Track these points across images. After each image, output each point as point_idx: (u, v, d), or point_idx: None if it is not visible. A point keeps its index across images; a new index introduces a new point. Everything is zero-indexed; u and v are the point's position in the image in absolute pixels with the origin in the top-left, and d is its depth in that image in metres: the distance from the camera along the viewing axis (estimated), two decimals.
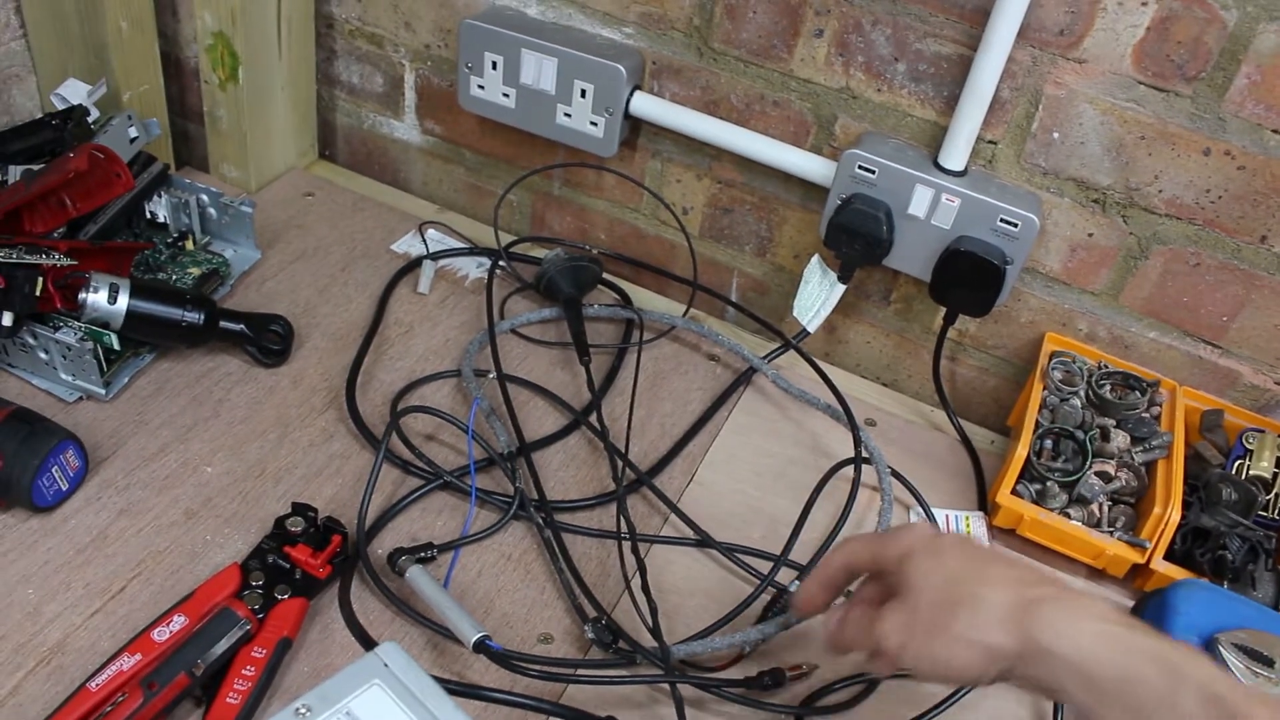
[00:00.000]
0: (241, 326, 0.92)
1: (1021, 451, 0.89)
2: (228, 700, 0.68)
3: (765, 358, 1.02)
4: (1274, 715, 0.46)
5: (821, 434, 0.97)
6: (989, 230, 0.91)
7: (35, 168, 0.87)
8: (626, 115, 1.02)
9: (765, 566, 0.83)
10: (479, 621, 0.72)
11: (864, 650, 0.62)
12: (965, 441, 1.00)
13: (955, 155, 0.91)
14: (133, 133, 0.97)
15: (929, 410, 1.04)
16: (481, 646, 0.70)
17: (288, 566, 0.76)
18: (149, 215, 1.00)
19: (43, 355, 0.86)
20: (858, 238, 0.95)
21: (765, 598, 0.81)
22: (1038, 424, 0.92)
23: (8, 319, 0.81)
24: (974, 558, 0.60)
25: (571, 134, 1.04)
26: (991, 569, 0.59)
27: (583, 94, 1.01)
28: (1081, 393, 0.94)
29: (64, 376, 0.87)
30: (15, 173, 0.88)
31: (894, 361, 1.09)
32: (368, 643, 0.73)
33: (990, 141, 0.92)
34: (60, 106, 0.98)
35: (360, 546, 0.78)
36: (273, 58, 1.10)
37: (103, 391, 0.87)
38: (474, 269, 1.09)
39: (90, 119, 0.95)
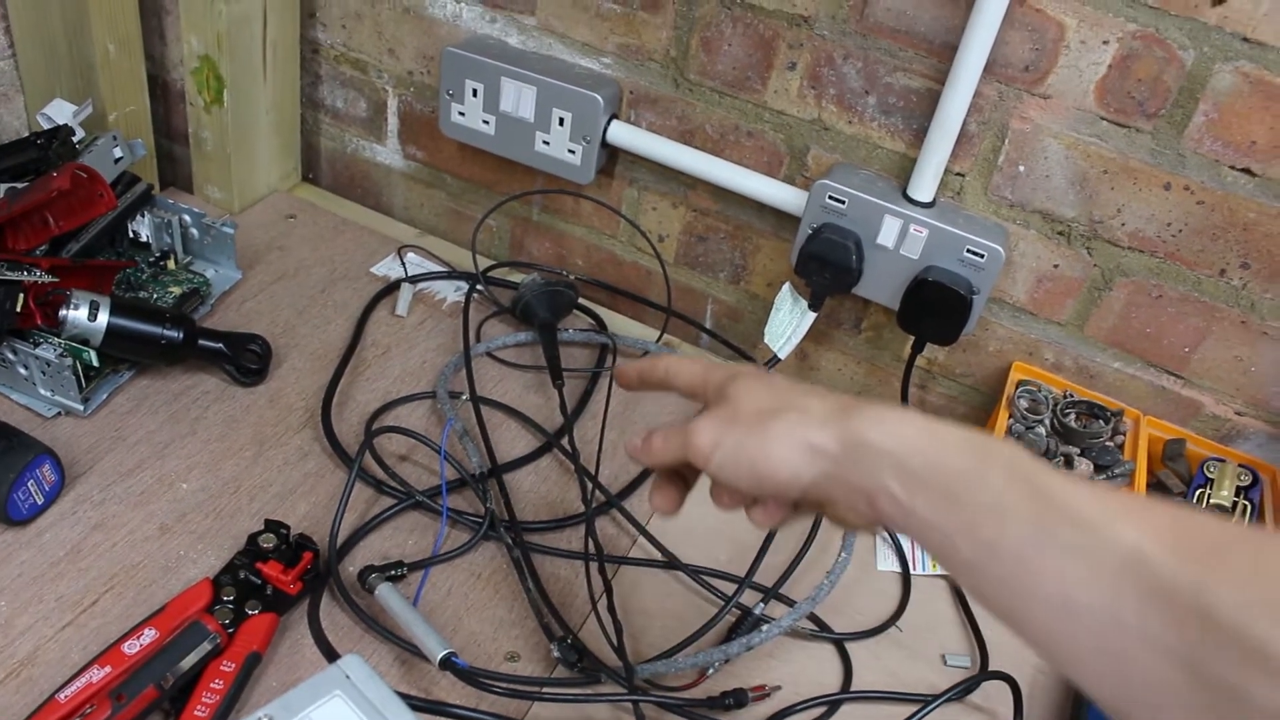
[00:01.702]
0: (220, 345, 0.93)
1: None
2: (195, 713, 0.69)
3: None
4: (1077, 487, 0.46)
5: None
6: (956, 260, 0.93)
7: (19, 186, 0.88)
8: (604, 144, 1.04)
9: (730, 589, 0.84)
10: (447, 639, 0.73)
11: (672, 456, 0.58)
12: None
13: (923, 187, 0.93)
14: (118, 153, 0.98)
15: None
16: (448, 663, 0.71)
17: (259, 582, 0.77)
18: (132, 234, 1.01)
19: (22, 371, 0.87)
20: (828, 266, 0.96)
21: (731, 619, 0.83)
22: None
23: None
24: (798, 384, 0.58)
25: (550, 161, 1.06)
26: (813, 391, 0.57)
27: (561, 122, 1.03)
28: (1047, 421, 0.96)
29: (43, 392, 0.88)
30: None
31: (865, 389, 1.10)
32: (334, 657, 0.74)
33: (958, 174, 0.94)
34: (46, 126, 0.99)
35: (332, 563, 0.79)
36: (258, 81, 1.12)
37: (81, 407, 0.88)
38: (452, 292, 1.10)
39: (75, 139, 0.97)
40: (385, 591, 0.78)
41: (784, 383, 0.58)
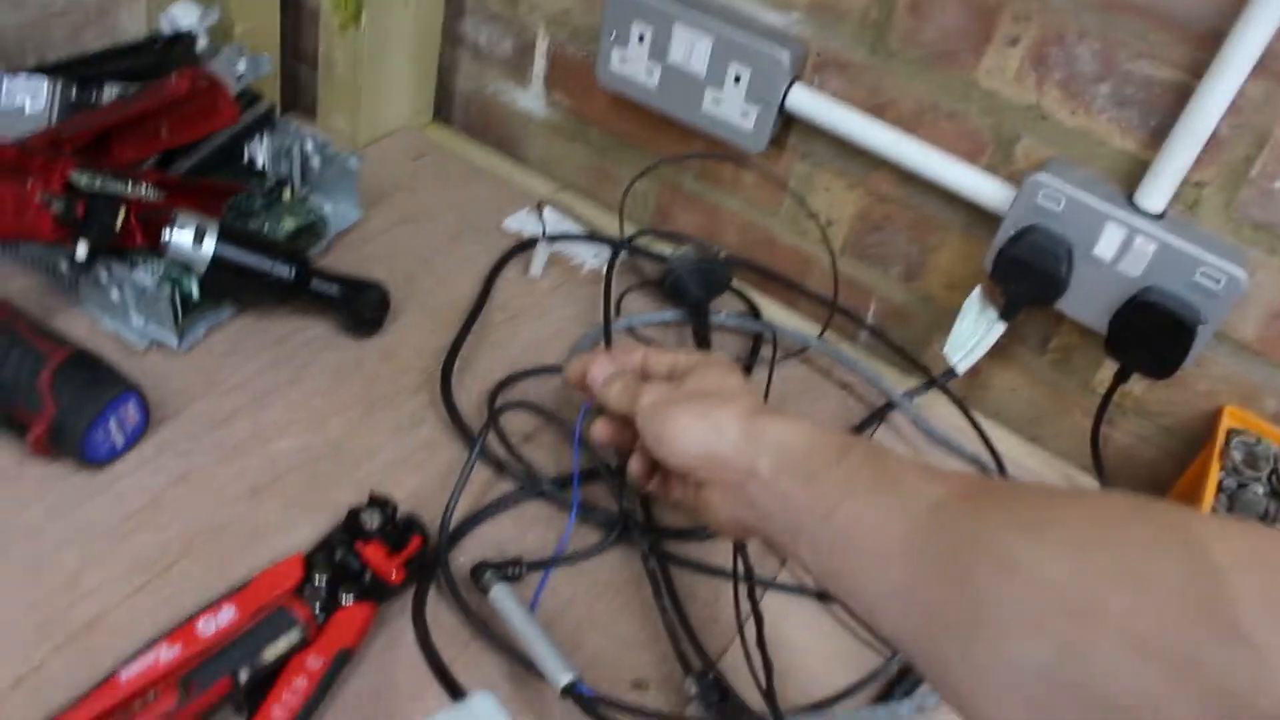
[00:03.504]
0: (335, 289, 0.83)
1: None
2: (273, 713, 0.58)
3: (906, 394, 0.91)
4: (909, 467, 0.52)
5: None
6: (1185, 283, 0.79)
7: (132, 89, 0.78)
8: (781, 109, 0.92)
9: None
10: (567, 657, 0.62)
11: (623, 409, 0.63)
12: None
13: (1156, 194, 0.80)
14: (240, 67, 0.88)
15: (1075, 474, 0.93)
16: (571, 691, 0.60)
17: (357, 566, 0.66)
18: (248, 159, 0.91)
19: (115, 295, 0.77)
20: (1030, 274, 0.83)
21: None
22: (1214, 510, 0.80)
23: (82, 250, 0.73)
24: (750, 384, 0.65)
25: (717, 123, 0.94)
26: (754, 393, 0.63)
27: (736, 80, 0.91)
28: (1265, 479, 0.82)
29: (135, 321, 0.78)
30: (111, 93, 0.79)
31: (1040, 415, 0.97)
32: (441, 671, 0.63)
33: (1197, 184, 0.81)
34: (168, 31, 0.90)
35: (442, 553, 0.69)
36: (398, 6, 1.02)
37: (175, 342, 0.78)
38: (591, 257, 0.99)
39: (197, 47, 0.87)
40: (501, 594, 0.67)
41: (738, 379, 0.64)
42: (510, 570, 0.69)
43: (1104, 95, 0.82)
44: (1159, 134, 0.80)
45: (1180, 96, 0.78)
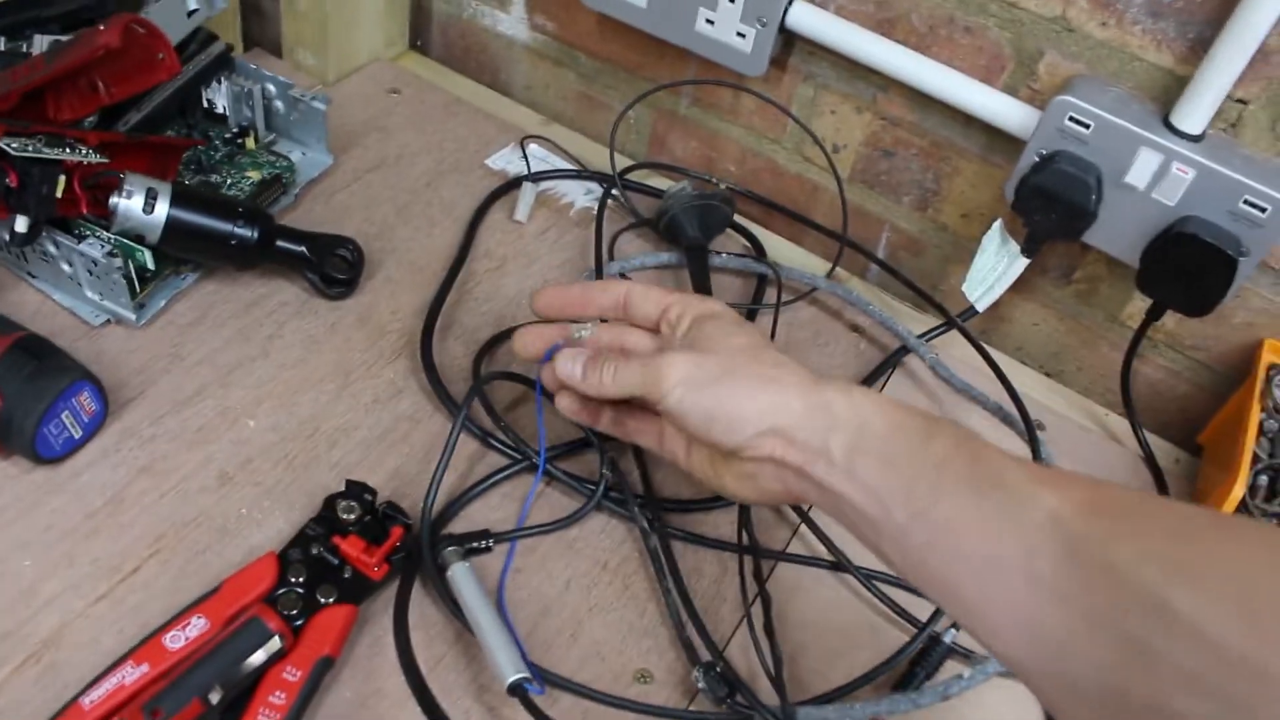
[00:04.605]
0: (303, 248, 0.77)
1: (1238, 490, 0.72)
2: None
3: (923, 336, 0.85)
4: (1007, 460, 0.48)
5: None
6: (1225, 212, 0.73)
7: (64, 39, 0.71)
8: (781, 28, 0.84)
9: (911, 601, 0.67)
10: (522, 646, 0.58)
11: (627, 393, 0.57)
12: (1151, 462, 0.83)
13: (1195, 114, 0.73)
14: (192, 3, 0.81)
15: (1103, 414, 0.87)
16: (518, 690, 0.56)
17: (335, 563, 0.61)
18: (206, 104, 0.84)
19: (66, 268, 0.71)
20: (1056, 205, 0.77)
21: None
22: (1255, 456, 0.75)
23: (21, 224, 0.67)
24: (769, 340, 0.61)
25: (712, 45, 0.87)
26: (783, 353, 0.57)
27: None
28: None
29: (90, 295, 0.72)
30: (42, 43, 0.72)
31: (1063, 350, 0.91)
32: (419, 685, 0.58)
33: (1239, 100, 0.73)
34: None
35: (424, 542, 0.64)
36: None
37: (133, 317, 0.72)
38: (581, 196, 0.92)
39: None
40: (459, 575, 0.61)
41: (759, 335, 0.58)
42: (477, 543, 0.64)
43: (1138, 4, 0.74)
44: (1199, 47, 0.73)
45: (1224, 5, 0.70)
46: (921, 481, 0.48)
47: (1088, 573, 0.41)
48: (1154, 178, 0.74)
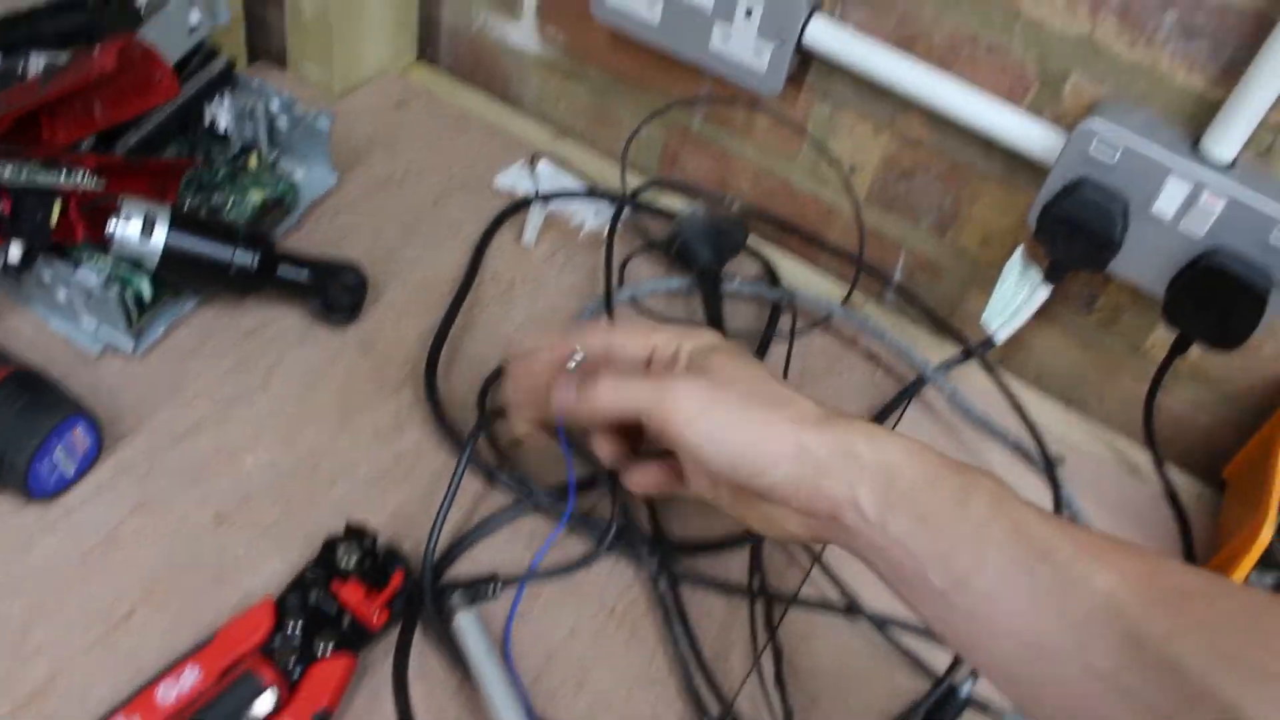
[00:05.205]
0: (305, 274, 0.75)
1: (1266, 534, 0.70)
2: None
3: (940, 367, 0.83)
4: (1053, 527, 0.45)
5: (1000, 471, 0.78)
6: (1257, 244, 0.70)
7: (62, 59, 0.69)
8: (798, 45, 0.82)
9: (928, 649, 0.65)
10: (527, 700, 0.56)
11: (621, 410, 0.52)
12: (1172, 498, 0.80)
13: (1226, 141, 0.70)
14: (194, 18, 0.79)
15: (1123, 446, 0.85)
16: None
17: (334, 610, 0.59)
18: (209, 122, 0.82)
19: (61, 296, 0.69)
20: (1080, 234, 0.74)
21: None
22: None
23: (15, 253, 0.65)
24: (779, 375, 0.57)
25: (727, 62, 0.84)
26: (795, 389, 0.53)
27: (748, 13, 0.81)
28: None
29: (86, 324, 0.71)
30: (38, 63, 0.70)
31: (1083, 380, 0.88)
32: None
33: (1274, 127, 0.71)
34: None
35: (425, 587, 0.62)
36: None
37: (130, 346, 0.70)
38: (591, 217, 0.90)
39: (139, 1, 0.77)
40: (466, 624, 0.60)
41: (767, 371, 0.54)
42: (483, 590, 0.62)
43: (1170, 24, 0.71)
44: (1232, 70, 0.70)
45: (1260, 26, 0.68)
46: (962, 547, 0.46)
47: (1152, 671, 0.40)
48: (1182, 207, 0.71)
